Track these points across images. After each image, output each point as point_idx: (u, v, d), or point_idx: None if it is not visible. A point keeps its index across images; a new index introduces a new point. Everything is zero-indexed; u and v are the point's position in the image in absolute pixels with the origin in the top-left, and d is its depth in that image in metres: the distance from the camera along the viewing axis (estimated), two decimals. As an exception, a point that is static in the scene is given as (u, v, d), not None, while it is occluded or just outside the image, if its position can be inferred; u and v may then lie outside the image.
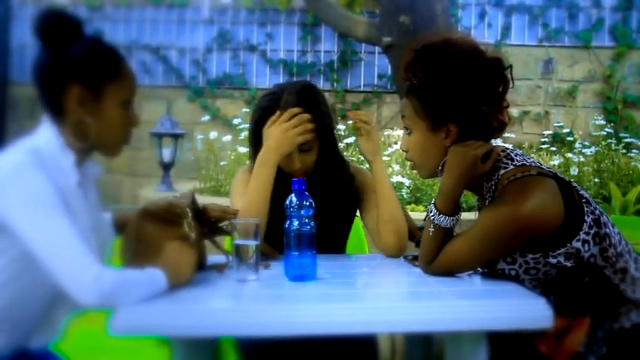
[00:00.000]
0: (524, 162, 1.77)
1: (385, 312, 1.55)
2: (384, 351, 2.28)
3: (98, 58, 1.61)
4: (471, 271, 1.83)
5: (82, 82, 1.58)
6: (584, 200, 1.73)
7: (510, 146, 1.97)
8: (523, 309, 1.55)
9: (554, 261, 1.69)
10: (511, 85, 1.81)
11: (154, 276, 1.55)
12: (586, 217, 1.70)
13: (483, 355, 1.60)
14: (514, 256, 1.72)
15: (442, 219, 1.78)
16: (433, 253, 1.80)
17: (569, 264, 1.69)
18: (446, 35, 1.84)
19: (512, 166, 1.75)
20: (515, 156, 1.79)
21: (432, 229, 1.80)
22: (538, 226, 1.67)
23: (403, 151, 1.92)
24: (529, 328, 1.55)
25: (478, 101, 1.76)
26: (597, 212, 1.74)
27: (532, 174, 1.72)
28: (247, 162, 2.45)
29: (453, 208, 1.79)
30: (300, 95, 2.13)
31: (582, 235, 1.69)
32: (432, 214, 1.80)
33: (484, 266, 1.81)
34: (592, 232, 1.70)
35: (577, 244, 1.68)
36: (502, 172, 1.76)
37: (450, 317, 1.53)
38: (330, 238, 2.20)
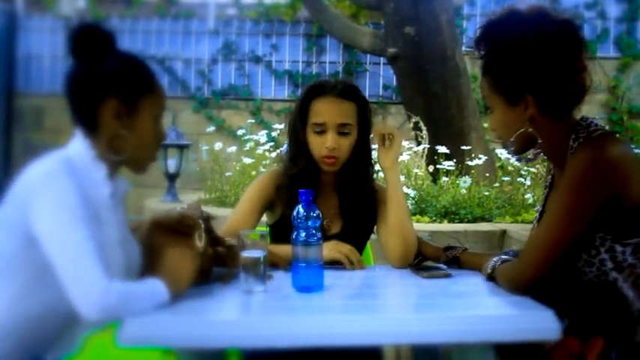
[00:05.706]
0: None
1: (392, 323, 1.55)
2: (390, 362, 2.28)
3: (133, 72, 1.65)
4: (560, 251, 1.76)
5: (119, 96, 1.61)
6: None
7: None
8: (530, 320, 1.55)
9: (620, 249, 1.66)
10: (586, 51, 1.74)
11: (155, 287, 1.55)
12: None
13: (490, 366, 1.60)
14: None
15: None
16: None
17: (630, 259, 1.65)
18: (512, 6, 1.78)
19: (601, 130, 1.73)
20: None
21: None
22: (620, 171, 1.64)
23: (492, 130, 1.87)
24: (536, 339, 1.55)
25: (550, 68, 1.70)
26: None
27: (619, 138, 1.74)
28: (276, 165, 2.50)
29: None
30: (346, 83, 2.26)
31: None
32: None
33: (571, 242, 1.72)
34: None
35: None
36: (592, 128, 1.72)
37: (457, 329, 1.52)
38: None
